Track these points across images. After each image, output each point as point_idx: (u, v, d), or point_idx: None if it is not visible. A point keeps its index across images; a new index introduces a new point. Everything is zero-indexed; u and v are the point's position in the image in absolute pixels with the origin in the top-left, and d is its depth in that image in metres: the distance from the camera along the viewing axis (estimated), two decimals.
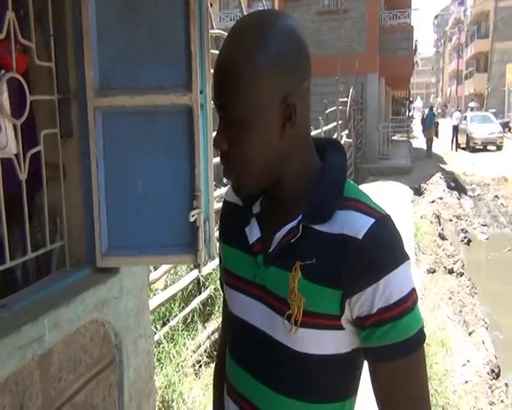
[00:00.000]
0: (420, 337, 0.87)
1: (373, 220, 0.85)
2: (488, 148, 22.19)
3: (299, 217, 0.89)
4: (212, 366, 3.49)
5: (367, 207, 0.87)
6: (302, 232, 0.88)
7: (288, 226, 0.90)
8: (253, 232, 0.95)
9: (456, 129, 22.48)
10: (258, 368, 0.96)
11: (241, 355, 1.00)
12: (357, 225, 0.85)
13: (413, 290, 0.86)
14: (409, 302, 0.85)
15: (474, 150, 21.87)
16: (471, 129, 22.51)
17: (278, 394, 0.93)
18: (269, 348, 0.93)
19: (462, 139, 23.43)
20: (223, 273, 1.09)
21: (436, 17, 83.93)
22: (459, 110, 25.99)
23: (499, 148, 22.08)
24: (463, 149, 22.71)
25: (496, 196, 13.53)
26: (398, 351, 0.85)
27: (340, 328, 0.87)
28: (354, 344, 0.90)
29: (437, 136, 22.62)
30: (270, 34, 0.84)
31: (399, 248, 0.86)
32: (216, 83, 0.87)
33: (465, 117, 24.04)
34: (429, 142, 20.15)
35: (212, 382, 1.28)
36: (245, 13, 6.38)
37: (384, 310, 0.83)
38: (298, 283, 0.86)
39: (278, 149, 0.88)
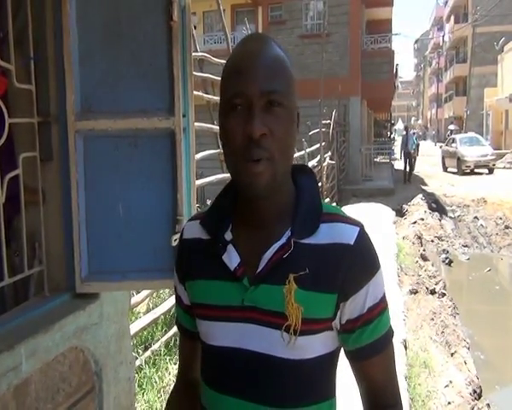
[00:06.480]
0: (391, 328, 1.00)
1: (358, 228, 0.95)
2: (478, 171, 20.64)
3: (288, 234, 0.93)
4: None
5: (347, 219, 0.97)
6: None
7: (278, 244, 0.93)
8: (233, 259, 0.96)
9: (407, 156, 20.28)
10: (255, 391, 0.94)
11: (233, 385, 0.97)
12: (346, 233, 0.94)
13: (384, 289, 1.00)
14: (385, 299, 0.98)
15: (464, 174, 20.47)
16: (462, 152, 21.14)
17: (281, 409, 0.94)
18: (266, 367, 0.93)
19: (451, 162, 22.33)
20: (193, 311, 1.04)
21: (416, 42, 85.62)
22: (413, 133, 24.95)
23: (491, 171, 20.63)
24: (454, 173, 21.46)
25: (475, 217, 13.68)
26: (383, 343, 0.96)
27: (331, 329, 0.95)
28: (337, 342, 0.99)
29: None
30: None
31: (376, 252, 0.98)
32: (262, 68, 0.89)
33: (453, 140, 23.03)
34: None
35: None
36: (229, 36, 6.41)
37: (373, 308, 0.94)
38: (294, 293, 0.90)
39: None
